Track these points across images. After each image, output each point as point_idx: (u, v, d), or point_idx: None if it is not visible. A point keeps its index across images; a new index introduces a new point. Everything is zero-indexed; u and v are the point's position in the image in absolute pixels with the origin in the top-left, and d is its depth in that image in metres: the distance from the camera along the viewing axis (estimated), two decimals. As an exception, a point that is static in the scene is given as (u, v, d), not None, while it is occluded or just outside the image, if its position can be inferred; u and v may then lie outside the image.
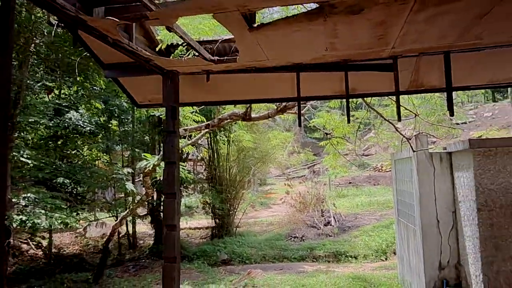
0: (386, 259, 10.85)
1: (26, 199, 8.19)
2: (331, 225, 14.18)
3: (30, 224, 7.70)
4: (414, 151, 5.88)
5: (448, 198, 5.77)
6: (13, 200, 8.07)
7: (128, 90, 4.97)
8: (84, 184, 10.97)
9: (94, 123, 11.29)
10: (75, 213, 9.92)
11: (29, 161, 8.53)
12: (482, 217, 4.96)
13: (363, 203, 17.01)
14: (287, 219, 15.65)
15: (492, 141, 5.19)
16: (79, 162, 12.08)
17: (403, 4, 2.76)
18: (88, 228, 14.83)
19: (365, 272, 9.13)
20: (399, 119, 4.08)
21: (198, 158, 16.77)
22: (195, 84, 4.60)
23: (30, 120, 9.03)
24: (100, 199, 15.74)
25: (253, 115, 7.23)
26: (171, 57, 4.07)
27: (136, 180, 14.16)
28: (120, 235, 13.23)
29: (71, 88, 12.01)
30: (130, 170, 10.99)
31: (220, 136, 13.94)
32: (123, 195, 13.39)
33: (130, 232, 14.04)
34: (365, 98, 6.35)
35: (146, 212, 14.25)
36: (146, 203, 12.91)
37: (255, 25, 3.06)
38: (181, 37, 3.42)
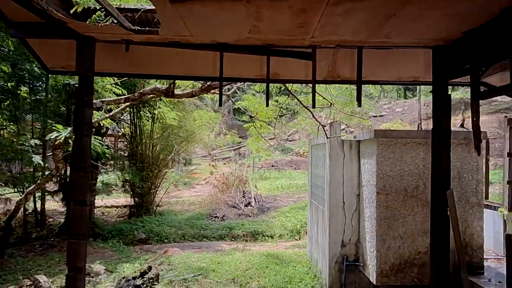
0: (299, 238, 11.57)
1: None
2: (251, 206, 14.64)
3: None
4: (327, 138, 6.30)
5: (354, 182, 6.33)
6: None
7: (38, 53, 4.54)
8: (-16, 155, 9.81)
9: (-1, 88, 10.07)
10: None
11: None
12: (380, 200, 5.54)
13: (283, 185, 17.80)
14: (209, 199, 15.78)
15: (393, 132, 5.78)
16: (-22, 130, 10.73)
17: (321, -5, 2.91)
18: (-11, 204, 13.34)
19: (279, 250, 9.65)
20: (314, 106, 4.34)
21: (120, 134, 15.98)
22: (114, 53, 4.36)
23: None
24: (5, 172, 14.22)
25: (177, 92, 7.07)
26: (87, 22, 3.78)
27: (48, 154, 13.02)
28: (27, 212, 12.15)
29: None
30: (37, 141, 10.05)
31: (144, 112, 13.40)
32: (31, 169, 12.25)
33: (39, 209, 12.96)
34: (287, 84, 6.61)
35: (57, 188, 13.25)
36: (58, 178, 12.00)
37: (177, -3, 2.99)
38: (97, 0, 3.20)
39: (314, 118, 6.52)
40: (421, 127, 22.88)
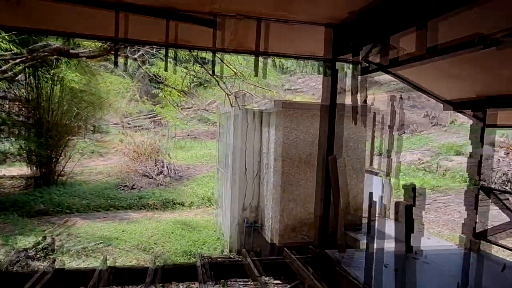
0: (210, 205, 11.87)
1: None
2: (163, 174, 14.48)
3: None
4: (232, 106, 6.48)
5: (256, 150, 6.66)
6: None
7: None
8: None
9: None
10: None
11: None
12: (277, 166, 5.95)
13: (198, 155, 17.85)
14: (118, 168, 15.17)
15: (293, 103, 6.17)
16: None
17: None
18: None
19: (188, 217, 9.82)
20: (213, 73, 4.43)
21: (13, 96, 14.28)
22: (4, 5, 3.88)
23: None
24: None
25: (75, 51, 6.54)
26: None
27: None
28: None
29: None
30: None
31: (42, 72, 12.12)
32: None
33: None
34: (194, 52, 6.55)
35: None
36: None
37: None
38: None
39: (220, 87, 6.62)
40: (352, 100, 24.45)
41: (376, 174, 7.48)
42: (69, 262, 6.44)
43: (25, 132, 13.06)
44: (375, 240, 5.85)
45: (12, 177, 13.82)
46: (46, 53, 6.59)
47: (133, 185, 13.55)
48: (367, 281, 3.91)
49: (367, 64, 4.45)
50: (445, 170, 13.35)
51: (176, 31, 4.28)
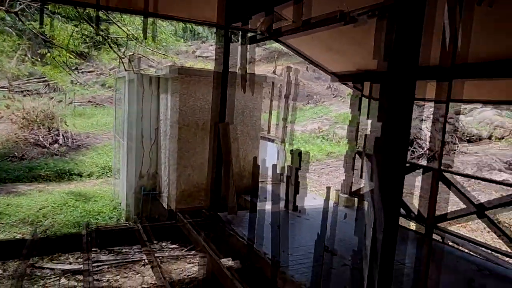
0: (111, 175, 11.37)
1: None
2: (59, 143, 13.34)
3: None
4: (126, 70, 6.17)
5: (153, 116, 6.51)
6: None
7: None
8: None
9: None
10: None
11: None
12: (174, 133, 5.91)
13: (100, 123, 16.74)
14: (5, 137, 13.53)
15: (189, 70, 6.10)
16: None
17: None
18: None
19: (86, 188, 9.31)
20: (97, 34, 4.14)
21: None
22: None
23: None
24: None
25: None
26: None
27: None
28: None
29: None
30: None
31: None
32: None
33: None
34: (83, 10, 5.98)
35: None
36: None
37: None
38: None
39: (113, 49, 6.21)
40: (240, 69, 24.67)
41: (273, 141, 7.91)
42: None
43: None
44: (266, 202, 6.28)
45: None
46: None
47: (23, 155, 12.27)
48: (251, 237, 4.22)
49: (255, 33, 4.57)
50: (340, 138, 14.66)
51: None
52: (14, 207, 7.41)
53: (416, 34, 1.98)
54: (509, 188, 6.68)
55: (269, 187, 7.08)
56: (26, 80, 24.51)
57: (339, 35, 4.67)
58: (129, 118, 6.27)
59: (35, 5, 8.72)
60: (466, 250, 4.57)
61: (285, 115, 7.69)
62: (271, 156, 7.97)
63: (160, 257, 5.62)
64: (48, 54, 9.09)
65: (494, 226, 4.15)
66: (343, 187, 6.21)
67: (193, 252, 5.73)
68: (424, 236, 4.45)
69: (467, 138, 13.64)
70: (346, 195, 6.05)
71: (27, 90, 21.66)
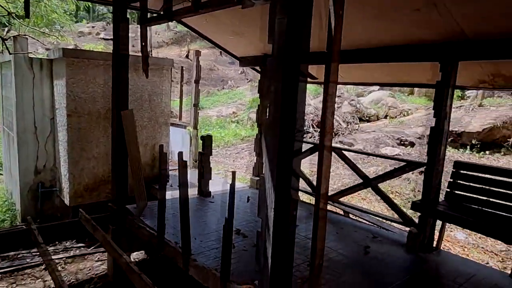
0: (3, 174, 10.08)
1: None
2: None
3: None
4: (10, 54, 5.44)
5: (47, 105, 5.88)
6: None
7: None
8: None
9: None
10: None
11: None
12: (71, 123, 5.42)
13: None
14: None
15: (85, 52, 5.61)
16: None
17: None
18: None
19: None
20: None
21: None
22: None
23: None
24: None
25: None
26: None
27: None
28: None
29: None
30: None
31: None
32: None
33: None
34: None
35: None
36: None
37: None
38: None
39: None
40: (151, 53, 23.58)
41: (185, 127, 7.76)
42: None
43: None
44: (178, 190, 6.16)
45: None
46: None
47: None
48: (160, 228, 4.11)
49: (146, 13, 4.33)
50: (254, 122, 14.97)
51: None
52: None
53: (302, 18, 2.05)
54: (390, 160, 7.90)
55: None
56: None
57: (241, 19, 4.69)
58: (19, 108, 5.57)
59: None
60: (364, 221, 5.06)
61: (196, 100, 7.57)
62: (183, 143, 7.83)
63: (64, 258, 5.20)
64: None
65: (378, 194, 4.69)
66: (254, 170, 6.37)
67: (101, 249, 5.41)
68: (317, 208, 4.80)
69: (367, 118, 15.01)
70: (257, 178, 6.22)
71: None
